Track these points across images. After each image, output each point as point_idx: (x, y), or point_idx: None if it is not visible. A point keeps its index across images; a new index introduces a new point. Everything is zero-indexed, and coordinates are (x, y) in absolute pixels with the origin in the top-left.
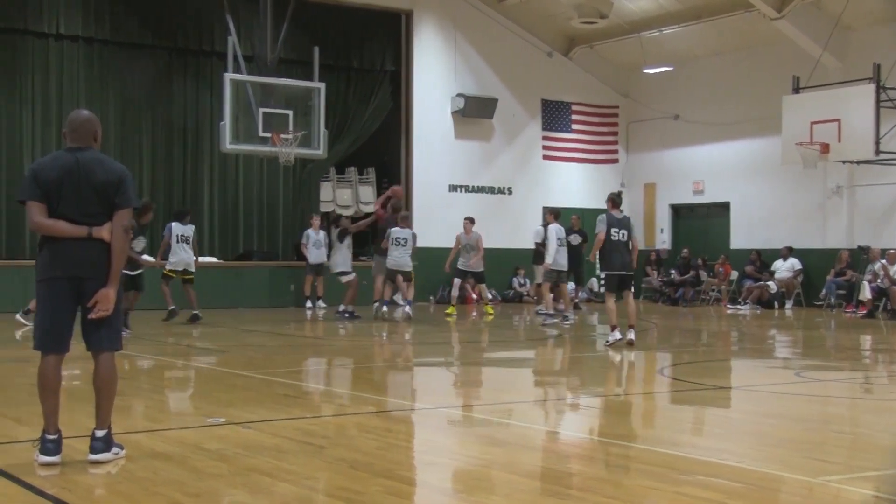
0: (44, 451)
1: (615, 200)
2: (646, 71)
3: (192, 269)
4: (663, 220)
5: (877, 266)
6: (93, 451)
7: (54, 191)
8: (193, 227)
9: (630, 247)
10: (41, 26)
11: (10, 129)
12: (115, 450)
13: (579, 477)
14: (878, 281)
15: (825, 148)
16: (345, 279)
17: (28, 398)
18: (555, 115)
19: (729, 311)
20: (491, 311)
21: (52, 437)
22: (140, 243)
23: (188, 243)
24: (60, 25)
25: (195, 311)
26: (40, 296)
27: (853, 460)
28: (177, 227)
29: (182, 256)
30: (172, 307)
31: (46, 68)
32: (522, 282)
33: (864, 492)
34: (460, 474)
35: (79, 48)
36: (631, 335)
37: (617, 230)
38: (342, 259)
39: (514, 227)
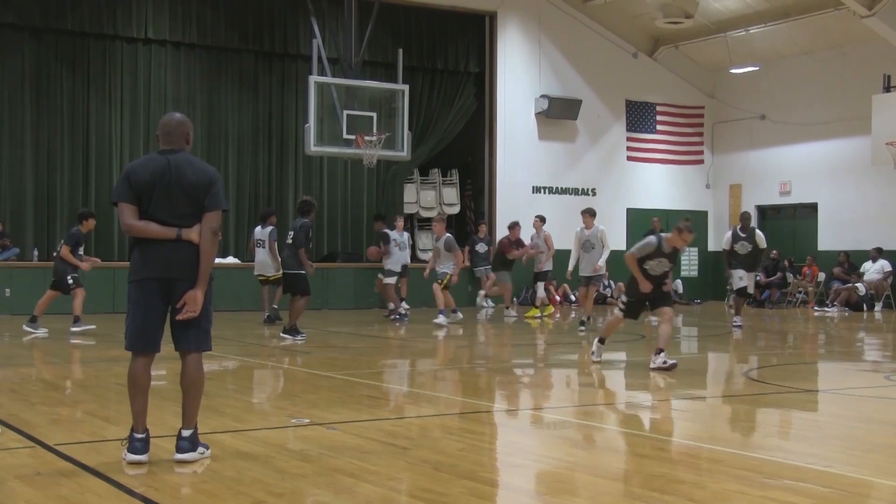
0: (132, 450)
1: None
2: (732, 71)
3: (268, 273)
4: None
5: None
6: (179, 450)
7: (146, 193)
8: (272, 228)
9: None
10: (130, 31)
11: (100, 132)
12: (200, 449)
13: (662, 479)
14: None
15: None
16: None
17: (117, 398)
18: (639, 116)
19: (816, 314)
20: (536, 314)
21: (140, 435)
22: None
23: (263, 247)
24: (149, 30)
25: (268, 313)
26: (132, 297)
27: None
28: (255, 232)
29: (258, 260)
30: (269, 312)
31: (135, 72)
32: (607, 284)
33: None
34: (543, 476)
35: (167, 52)
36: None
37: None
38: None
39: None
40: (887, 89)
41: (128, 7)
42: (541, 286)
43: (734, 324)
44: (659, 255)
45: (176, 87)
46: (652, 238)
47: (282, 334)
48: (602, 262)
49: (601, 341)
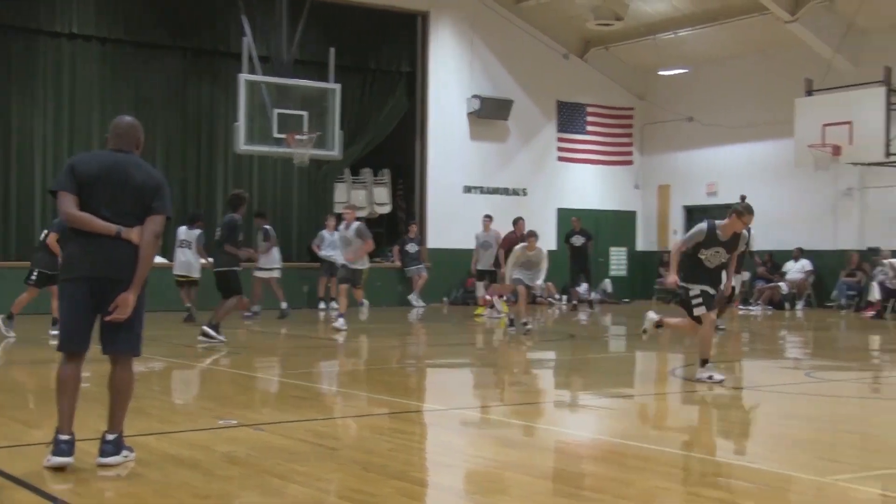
0: (57, 452)
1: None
2: (661, 73)
3: (194, 274)
4: (677, 221)
5: (886, 266)
6: (103, 454)
7: (89, 186)
8: (200, 232)
9: None
10: (54, 25)
11: (21, 129)
12: (124, 453)
13: (592, 477)
14: (888, 282)
15: (837, 150)
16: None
17: (38, 401)
18: (570, 117)
19: (740, 312)
20: (481, 313)
21: (65, 437)
22: None
23: (190, 248)
24: (74, 25)
25: (190, 311)
26: (63, 294)
27: (863, 460)
28: (180, 232)
29: (181, 261)
30: (188, 306)
31: (59, 68)
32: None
33: (874, 491)
34: (474, 475)
35: (92, 48)
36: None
37: None
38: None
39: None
40: (809, 93)
41: (52, 1)
42: (480, 286)
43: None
44: (715, 245)
45: (102, 84)
46: (702, 224)
47: (204, 327)
48: (541, 281)
49: (705, 363)
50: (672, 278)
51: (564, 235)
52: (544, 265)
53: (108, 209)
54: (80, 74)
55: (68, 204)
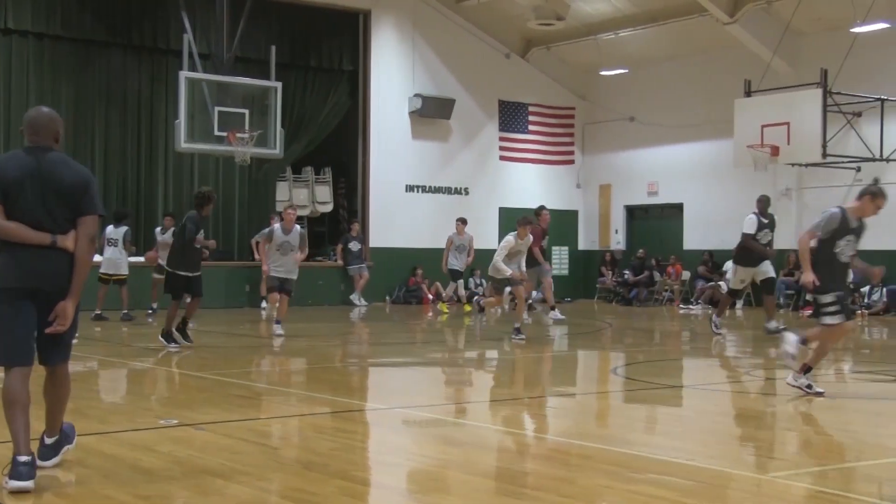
0: (15, 476)
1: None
2: (602, 73)
3: (122, 272)
4: (618, 220)
5: None
6: (43, 457)
7: (14, 193)
8: (126, 229)
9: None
10: None
11: None
12: (65, 448)
13: (534, 476)
14: None
15: (775, 151)
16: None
17: None
18: (512, 116)
19: (681, 311)
20: (446, 311)
21: (24, 459)
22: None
23: (117, 246)
24: (8, 20)
25: (125, 311)
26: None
27: (800, 456)
28: (108, 230)
29: (108, 258)
30: (99, 312)
31: None
32: (479, 282)
33: (811, 487)
34: (416, 475)
35: (29, 43)
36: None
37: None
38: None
39: (471, 228)
40: (748, 94)
41: None
42: (453, 285)
43: (771, 329)
44: (848, 233)
45: (39, 80)
46: (834, 210)
47: (161, 338)
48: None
49: (807, 371)
50: (809, 277)
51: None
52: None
53: (38, 215)
54: (15, 70)
55: None
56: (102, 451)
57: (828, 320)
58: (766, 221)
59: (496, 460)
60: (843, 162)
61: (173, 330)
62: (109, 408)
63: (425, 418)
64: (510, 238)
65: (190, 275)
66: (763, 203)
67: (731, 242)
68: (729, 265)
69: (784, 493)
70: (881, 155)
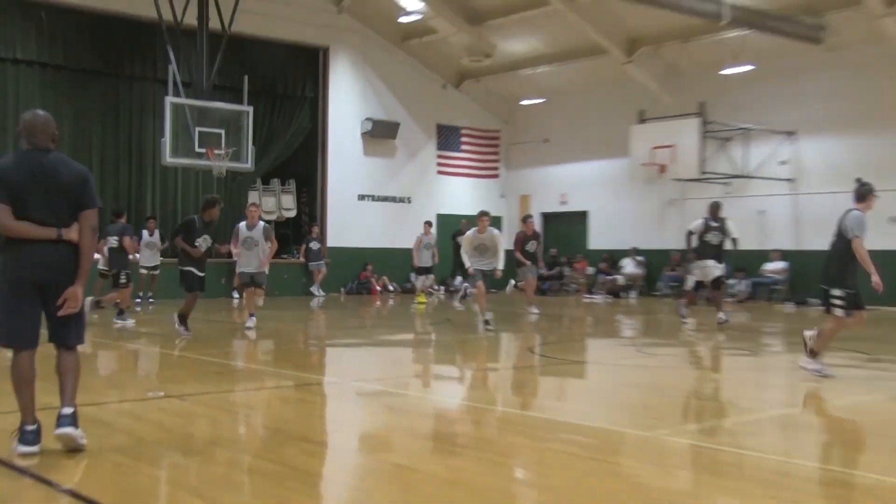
0: (23, 441)
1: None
2: (522, 102)
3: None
4: (536, 225)
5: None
6: (61, 425)
7: (21, 193)
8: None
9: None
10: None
11: None
12: (80, 431)
13: (463, 436)
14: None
15: (663, 168)
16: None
17: None
18: (447, 137)
19: (586, 300)
20: (423, 301)
21: (30, 427)
22: (206, 242)
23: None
24: (17, 52)
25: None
26: (7, 296)
27: (679, 419)
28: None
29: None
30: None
31: (5, 90)
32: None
33: (686, 442)
34: (365, 437)
35: (34, 72)
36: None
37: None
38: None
39: (413, 231)
40: (641, 121)
41: None
42: (421, 279)
43: (720, 320)
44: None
45: (43, 103)
46: (856, 212)
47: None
48: (501, 265)
49: (815, 355)
50: (878, 278)
51: (452, 234)
52: (501, 248)
53: (45, 213)
54: (23, 95)
55: (5, 216)
56: (101, 419)
57: (838, 312)
58: (715, 225)
59: (432, 424)
60: (716, 177)
61: (176, 317)
62: (104, 383)
63: (374, 390)
64: (469, 233)
65: (191, 270)
66: (713, 208)
67: (627, 244)
68: (626, 261)
69: (664, 447)
70: (746, 172)
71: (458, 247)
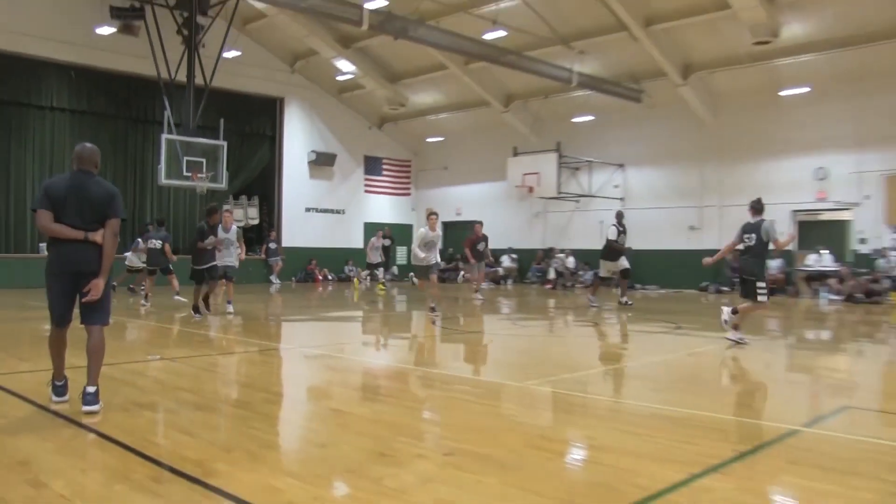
0: (56, 393)
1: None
2: (427, 140)
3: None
4: (437, 227)
5: (558, 259)
6: (86, 403)
7: (60, 203)
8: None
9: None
10: (40, 101)
11: (17, 175)
12: (100, 404)
13: (384, 389)
14: (558, 267)
15: (531, 189)
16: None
17: (29, 343)
18: (372, 165)
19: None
20: (382, 288)
21: (60, 382)
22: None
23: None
24: (53, 100)
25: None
26: (49, 285)
27: (543, 373)
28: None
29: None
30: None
31: (43, 130)
32: (351, 269)
33: (549, 389)
34: (311, 389)
35: (65, 116)
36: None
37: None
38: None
39: (345, 235)
40: (515, 154)
41: (38, 81)
42: (381, 271)
43: (626, 302)
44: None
45: (72, 139)
46: (768, 220)
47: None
48: (437, 258)
49: (737, 328)
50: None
51: (373, 236)
52: (439, 244)
53: (76, 219)
54: (56, 134)
55: (45, 219)
56: (112, 376)
57: (763, 299)
58: (621, 230)
59: (361, 379)
60: (569, 196)
61: (199, 303)
62: (115, 348)
63: (317, 354)
64: (422, 230)
65: (202, 267)
66: (619, 216)
67: (506, 244)
68: (504, 258)
69: (532, 394)
70: (590, 193)
71: (384, 248)
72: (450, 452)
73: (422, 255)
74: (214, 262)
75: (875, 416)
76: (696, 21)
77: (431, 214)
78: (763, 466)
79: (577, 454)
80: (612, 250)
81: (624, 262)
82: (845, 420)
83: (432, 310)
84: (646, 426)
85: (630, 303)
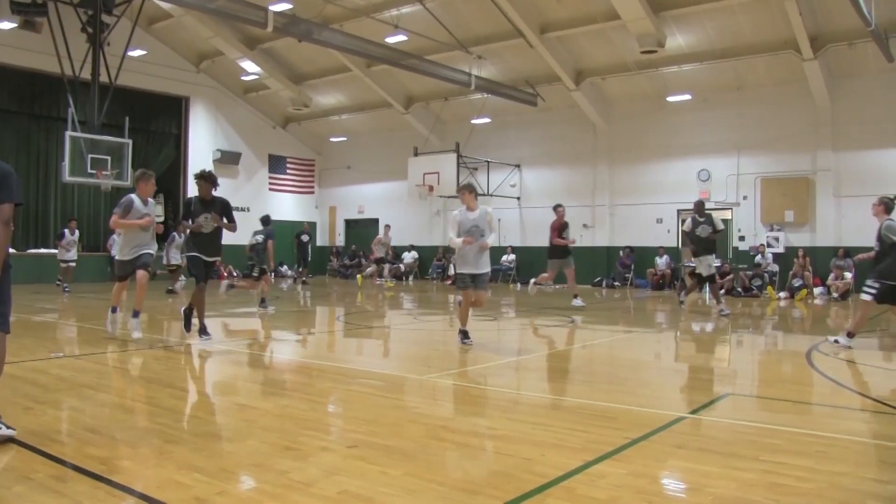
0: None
1: (698, 205)
2: (331, 139)
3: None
4: (340, 227)
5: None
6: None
7: None
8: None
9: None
10: None
11: None
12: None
13: (289, 382)
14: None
15: (431, 189)
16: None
17: None
18: (277, 164)
19: (378, 283)
20: (390, 284)
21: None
22: (208, 221)
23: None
24: None
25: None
26: None
27: (444, 366)
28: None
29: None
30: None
31: None
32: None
33: (449, 382)
34: (216, 384)
35: None
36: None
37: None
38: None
39: (248, 232)
40: (416, 154)
41: None
42: (374, 266)
43: (722, 312)
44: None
45: None
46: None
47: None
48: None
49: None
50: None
51: (296, 234)
52: (489, 229)
53: None
54: None
55: None
56: (13, 374)
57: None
58: (701, 220)
59: (266, 374)
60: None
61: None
62: (16, 346)
63: (222, 349)
64: (454, 213)
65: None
66: (698, 206)
67: (406, 241)
68: (406, 255)
69: (435, 386)
70: (488, 192)
71: (300, 244)
72: (354, 445)
73: (456, 241)
74: (209, 260)
75: (754, 402)
76: (588, 30)
77: (463, 189)
78: (652, 451)
79: (477, 444)
80: (699, 242)
81: (712, 262)
82: (727, 406)
83: (464, 335)
84: (543, 416)
85: (728, 312)
